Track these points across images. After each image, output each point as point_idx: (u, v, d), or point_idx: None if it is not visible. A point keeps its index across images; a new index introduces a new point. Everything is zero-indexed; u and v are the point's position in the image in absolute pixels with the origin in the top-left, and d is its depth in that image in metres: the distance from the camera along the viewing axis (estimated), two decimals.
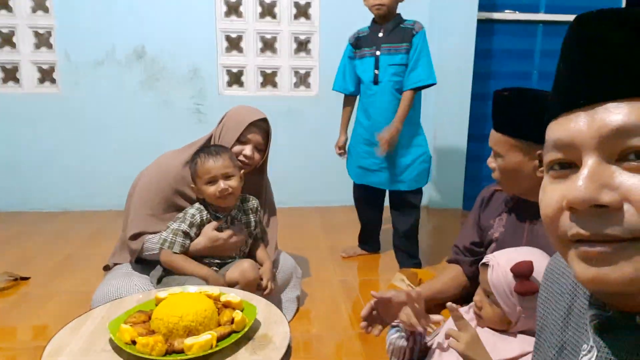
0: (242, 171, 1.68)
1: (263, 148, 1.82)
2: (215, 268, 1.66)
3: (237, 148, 1.76)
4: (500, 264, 1.14)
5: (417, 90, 2.40)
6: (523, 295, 1.08)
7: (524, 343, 1.09)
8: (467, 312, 1.24)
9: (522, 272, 1.09)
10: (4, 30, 3.46)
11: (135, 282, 1.66)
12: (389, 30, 2.41)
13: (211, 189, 1.57)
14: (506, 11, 3.89)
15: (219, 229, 1.62)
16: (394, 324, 1.23)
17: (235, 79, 3.68)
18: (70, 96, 3.52)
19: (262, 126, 1.81)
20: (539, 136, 1.25)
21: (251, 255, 1.81)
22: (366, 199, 2.71)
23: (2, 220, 3.43)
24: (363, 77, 2.50)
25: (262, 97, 3.66)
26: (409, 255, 2.59)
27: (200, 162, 1.59)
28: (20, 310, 2.10)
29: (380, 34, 2.43)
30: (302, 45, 3.67)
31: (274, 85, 3.72)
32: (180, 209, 1.70)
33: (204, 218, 1.62)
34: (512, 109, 1.23)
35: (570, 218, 0.46)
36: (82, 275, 2.46)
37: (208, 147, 1.65)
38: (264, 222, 1.98)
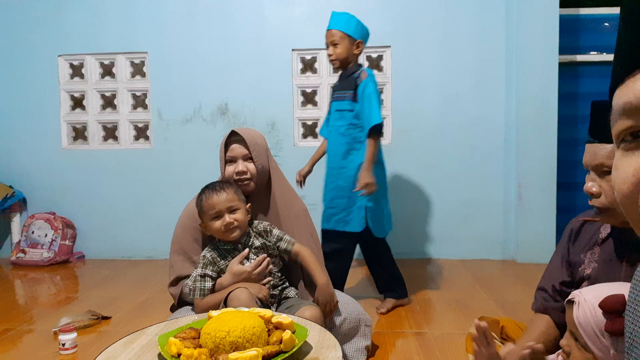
0: (248, 205, 1.66)
1: (251, 156, 1.76)
2: (271, 293, 1.62)
3: (230, 169, 1.74)
4: (587, 299, 0.99)
5: (371, 135, 2.42)
6: (615, 335, 0.93)
7: None
8: None
9: (612, 307, 0.94)
10: (107, 94, 3.90)
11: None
12: (342, 78, 2.57)
13: (217, 224, 1.56)
14: (591, 53, 3.70)
15: (242, 262, 1.60)
16: None
17: (310, 131, 3.79)
18: (160, 150, 3.82)
19: (239, 139, 1.76)
20: None
21: (295, 274, 1.74)
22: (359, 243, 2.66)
23: (95, 266, 3.68)
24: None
25: None
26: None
27: (205, 198, 1.60)
28: (99, 346, 2.17)
29: (337, 82, 2.61)
30: None
31: None
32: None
33: (216, 255, 1.61)
34: None
35: None
36: (159, 317, 2.52)
37: (212, 183, 1.67)
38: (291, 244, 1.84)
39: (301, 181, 2.84)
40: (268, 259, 1.64)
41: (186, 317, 1.23)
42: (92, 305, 2.69)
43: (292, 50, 3.72)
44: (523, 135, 3.51)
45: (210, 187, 1.64)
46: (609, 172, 1.08)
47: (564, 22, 3.51)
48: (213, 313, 1.13)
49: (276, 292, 1.66)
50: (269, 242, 1.70)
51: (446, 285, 3.07)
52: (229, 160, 1.75)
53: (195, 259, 1.72)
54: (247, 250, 1.63)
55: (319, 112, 3.75)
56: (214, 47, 3.72)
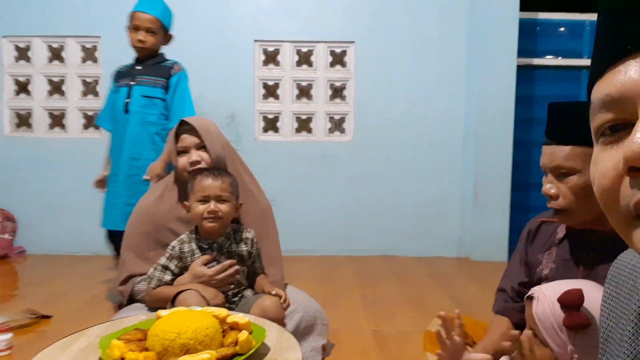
0: (240, 203, 1.59)
1: (204, 144, 1.68)
2: (229, 305, 1.53)
3: (183, 160, 1.66)
4: (546, 295, 1.00)
5: None
6: (573, 330, 0.93)
7: None
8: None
9: (571, 302, 0.95)
10: (55, 79, 3.67)
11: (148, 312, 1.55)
12: (149, 65, 2.42)
13: (200, 208, 1.48)
14: (547, 57, 3.81)
15: (209, 265, 1.50)
16: None
17: (271, 124, 3.71)
18: None
19: (189, 129, 1.68)
20: None
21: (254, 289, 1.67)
22: None
23: (37, 261, 3.46)
24: (116, 107, 2.44)
25: (296, 143, 3.66)
26: None
27: (199, 178, 1.52)
28: (37, 348, 2.01)
29: (139, 67, 2.43)
30: (337, 92, 3.69)
31: (309, 130, 3.71)
32: (166, 244, 1.60)
33: (185, 250, 1.51)
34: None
35: (631, 184, 0.39)
36: (105, 317, 2.38)
37: (212, 168, 1.59)
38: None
39: (100, 186, 2.60)
40: (236, 266, 1.54)
41: (132, 317, 1.14)
42: (32, 303, 2.50)
43: (255, 41, 3.62)
44: (481, 136, 3.57)
45: (209, 171, 1.56)
46: (566, 174, 1.09)
47: (523, 25, 3.59)
48: (162, 313, 1.04)
49: (235, 299, 1.58)
50: (250, 251, 1.61)
51: (403, 282, 3.08)
52: (180, 151, 1.66)
53: (149, 255, 1.62)
54: (214, 253, 1.54)
55: (282, 106, 3.68)
56: (174, 34, 3.56)
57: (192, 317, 0.94)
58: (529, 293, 1.08)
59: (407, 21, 3.59)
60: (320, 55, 3.65)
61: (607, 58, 0.42)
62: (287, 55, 3.66)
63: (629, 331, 0.54)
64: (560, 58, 3.82)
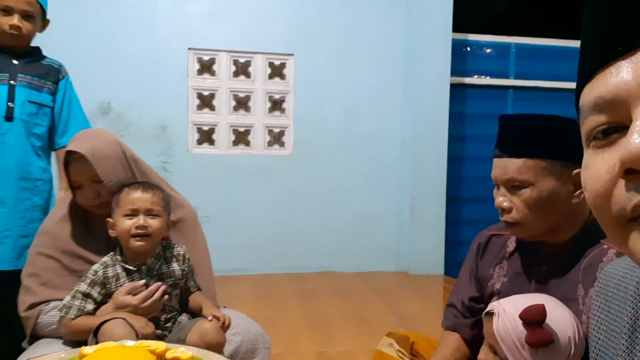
0: (171, 220, 1.43)
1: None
2: (162, 332, 1.37)
3: (80, 197, 1.41)
4: (507, 310, 0.98)
5: None
6: (536, 347, 0.92)
7: None
8: None
9: (533, 318, 0.93)
10: None
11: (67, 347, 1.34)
12: (31, 62, 1.91)
13: (127, 223, 1.30)
14: (475, 76, 3.98)
15: (136, 292, 1.32)
16: None
17: (206, 136, 3.54)
18: None
19: (78, 158, 1.39)
20: (576, 154, 1.10)
21: (188, 312, 1.50)
22: None
23: None
24: None
25: (233, 156, 3.52)
26: None
27: (126, 191, 1.34)
28: None
29: (15, 62, 1.88)
30: (276, 104, 3.61)
31: (247, 143, 3.59)
32: (76, 271, 1.41)
33: (110, 274, 1.33)
34: (542, 129, 1.08)
35: (627, 188, 0.38)
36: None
37: (140, 181, 1.42)
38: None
39: None
40: (163, 287, 1.36)
41: (48, 356, 0.96)
42: None
43: (189, 49, 3.46)
44: (417, 151, 3.63)
45: (138, 183, 1.37)
46: (519, 187, 1.08)
47: (455, 46, 3.73)
48: (86, 350, 0.88)
49: (168, 324, 1.42)
50: (183, 270, 1.44)
51: (344, 299, 3.02)
52: (75, 187, 1.41)
53: (55, 282, 1.40)
54: (142, 281, 1.36)
55: (217, 117, 3.53)
56: (98, 39, 3.32)
57: (124, 354, 0.80)
58: (488, 309, 1.06)
59: (346, 37, 3.60)
60: (259, 67, 3.56)
61: (597, 60, 0.42)
62: (224, 65, 3.52)
63: (623, 344, 0.53)
64: (487, 77, 4.00)
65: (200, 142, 3.53)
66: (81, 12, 3.31)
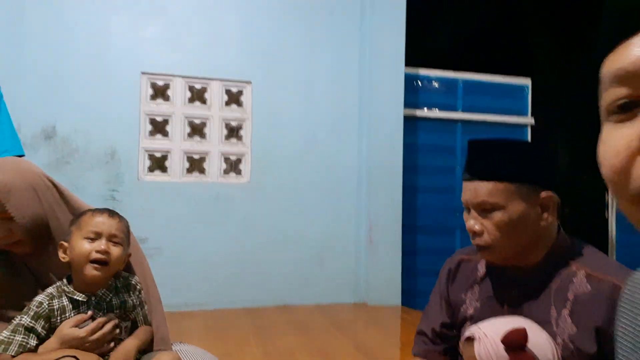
0: (129, 254, 1.34)
1: (9, 215, 1.21)
2: None
3: None
4: (488, 335, 0.98)
5: None
6: None
7: None
8: None
9: (516, 342, 0.94)
10: None
11: None
12: None
13: (86, 247, 1.21)
14: (425, 109, 4.13)
15: (82, 325, 1.21)
16: None
17: (158, 163, 3.38)
18: None
19: None
20: (542, 178, 1.11)
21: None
22: None
23: None
24: None
25: (187, 184, 3.38)
26: None
27: (90, 213, 1.25)
28: None
29: None
30: (233, 132, 3.53)
31: (202, 171, 3.46)
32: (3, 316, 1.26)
33: (55, 307, 1.21)
34: (510, 153, 1.10)
35: None
36: None
37: (105, 208, 1.33)
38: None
39: None
40: (114, 321, 1.26)
41: None
42: None
43: (142, 73, 3.33)
44: (373, 181, 3.67)
45: (103, 208, 1.30)
46: (490, 210, 1.09)
47: (407, 79, 3.86)
48: None
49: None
50: (134, 301, 1.33)
51: (303, 333, 2.93)
52: None
53: None
54: (89, 313, 1.23)
55: (171, 144, 3.39)
56: (43, 60, 3.12)
57: None
58: (468, 334, 1.05)
59: (303, 67, 3.62)
60: (215, 93, 3.49)
61: (619, 31, 0.41)
62: (179, 91, 3.42)
63: None
64: (436, 110, 4.16)
65: (151, 169, 3.37)
66: (25, 29, 3.11)
